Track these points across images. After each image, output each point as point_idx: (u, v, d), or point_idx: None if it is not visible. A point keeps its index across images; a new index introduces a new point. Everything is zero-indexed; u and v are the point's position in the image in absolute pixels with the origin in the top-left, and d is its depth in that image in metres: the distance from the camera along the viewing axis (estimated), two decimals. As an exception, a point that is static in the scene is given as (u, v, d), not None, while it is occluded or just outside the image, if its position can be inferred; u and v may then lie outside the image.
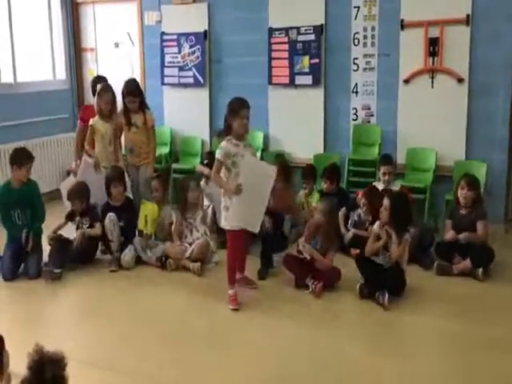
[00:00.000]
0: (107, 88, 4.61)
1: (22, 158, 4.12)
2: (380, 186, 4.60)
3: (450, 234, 4.09)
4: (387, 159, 4.75)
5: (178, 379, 2.79)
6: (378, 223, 3.79)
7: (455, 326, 3.30)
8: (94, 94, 4.77)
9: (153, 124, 4.64)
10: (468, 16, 4.93)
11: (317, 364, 2.89)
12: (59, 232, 4.30)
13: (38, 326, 3.44)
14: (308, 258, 3.78)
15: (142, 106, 4.57)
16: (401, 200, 3.78)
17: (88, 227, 4.30)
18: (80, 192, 4.33)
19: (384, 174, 4.60)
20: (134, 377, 2.80)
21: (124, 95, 4.52)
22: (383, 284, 3.54)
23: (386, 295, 3.47)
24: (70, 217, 4.36)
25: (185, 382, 2.78)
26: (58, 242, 4.22)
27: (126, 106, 4.53)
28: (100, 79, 5.03)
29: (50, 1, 6.44)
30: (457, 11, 4.95)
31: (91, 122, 4.59)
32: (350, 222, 4.59)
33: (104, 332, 3.31)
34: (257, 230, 3.56)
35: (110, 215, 4.28)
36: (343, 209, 4.64)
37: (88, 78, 6.76)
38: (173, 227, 4.41)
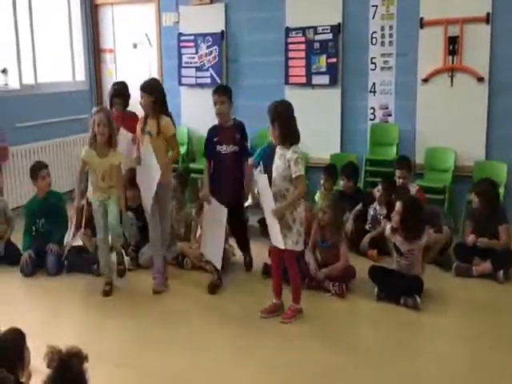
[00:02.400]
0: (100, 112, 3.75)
1: (32, 171, 4.36)
2: None
3: (470, 238, 4.00)
4: (402, 163, 4.67)
5: (192, 377, 2.80)
6: (389, 227, 3.74)
7: (475, 327, 3.27)
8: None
9: (173, 133, 3.76)
10: (488, 14, 4.85)
11: (337, 365, 2.89)
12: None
13: (56, 323, 3.49)
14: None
15: (158, 110, 3.70)
16: (412, 205, 3.65)
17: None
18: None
19: (399, 177, 4.57)
20: (151, 374, 2.82)
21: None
22: (400, 292, 3.51)
23: (417, 297, 3.44)
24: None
25: (198, 380, 2.79)
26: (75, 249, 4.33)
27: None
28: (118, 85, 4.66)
29: (69, 3, 6.52)
30: (477, 9, 4.89)
31: (82, 154, 3.74)
32: (368, 219, 4.57)
33: (119, 329, 3.34)
34: (282, 245, 3.18)
35: (128, 214, 4.32)
36: (359, 205, 4.61)
37: (107, 79, 6.85)
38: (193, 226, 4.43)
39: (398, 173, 4.60)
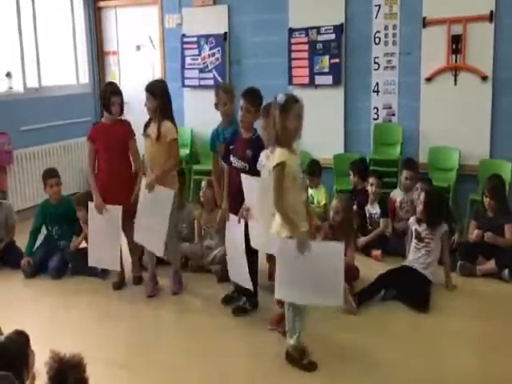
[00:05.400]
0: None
1: (44, 178, 4.39)
2: (399, 196, 4.57)
3: (476, 233, 4.01)
4: (410, 164, 4.70)
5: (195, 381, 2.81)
6: (413, 218, 3.82)
7: (480, 327, 3.25)
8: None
9: (173, 139, 3.64)
10: (492, 12, 4.83)
11: (346, 365, 2.87)
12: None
13: (60, 325, 3.49)
14: None
15: (161, 114, 3.64)
16: (435, 195, 3.82)
17: None
18: (87, 200, 4.15)
19: (406, 178, 4.57)
20: (158, 375, 2.83)
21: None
22: (407, 299, 3.50)
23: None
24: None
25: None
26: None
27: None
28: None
29: (73, 6, 6.55)
30: (480, 8, 4.87)
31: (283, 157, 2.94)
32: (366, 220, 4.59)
33: (125, 332, 3.35)
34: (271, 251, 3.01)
35: (132, 216, 4.33)
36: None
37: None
38: (196, 227, 4.41)
39: (405, 173, 4.61)
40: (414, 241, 3.75)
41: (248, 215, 3.16)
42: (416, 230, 3.75)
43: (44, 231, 4.44)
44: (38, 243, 4.38)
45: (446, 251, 3.75)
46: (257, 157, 3.20)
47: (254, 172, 3.19)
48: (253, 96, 3.33)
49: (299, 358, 2.83)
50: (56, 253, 4.25)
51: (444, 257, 3.75)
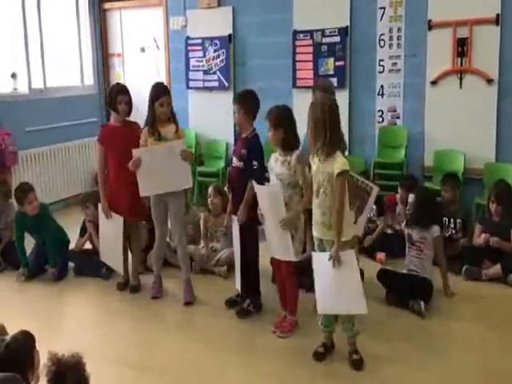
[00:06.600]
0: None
1: (18, 197, 4.18)
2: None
3: (483, 236, 3.99)
4: (409, 182, 4.59)
5: (201, 379, 2.80)
6: (404, 222, 3.80)
7: (484, 331, 3.23)
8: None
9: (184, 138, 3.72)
10: (498, 15, 4.82)
11: (346, 366, 2.86)
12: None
13: (60, 325, 3.51)
14: None
15: (173, 114, 3.65)
16: (424, 197, 3.78)
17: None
18: (96, 198, 4.11)
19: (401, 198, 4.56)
20: (161, 375, 2.83)
21: (157, 97, 3.53)
22: (408, 295, 3.48)
23: (422, 303, 3.40)
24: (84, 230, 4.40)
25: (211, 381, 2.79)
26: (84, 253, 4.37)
27: (155, 114, 3.55)
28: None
29: (78, 7, 6.57)
30: (486, 11, 4.85)
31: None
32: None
33: (129, 332, 3.35)
34: (293, 258, 3.08)
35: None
36: None
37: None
38: (201, 229, 4.40)
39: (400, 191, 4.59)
40: (407, 244, 3.71)
41: (264, 222, 3.18)
42: (408, 232, 3.71)
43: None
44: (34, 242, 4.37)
45: (441, 254, 3.67)
46: (251, 155, 3.27)
47: (249, 170, 3.26)
48: (241, 98, 3.37)
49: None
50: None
51: (439, 259, 3.68)
